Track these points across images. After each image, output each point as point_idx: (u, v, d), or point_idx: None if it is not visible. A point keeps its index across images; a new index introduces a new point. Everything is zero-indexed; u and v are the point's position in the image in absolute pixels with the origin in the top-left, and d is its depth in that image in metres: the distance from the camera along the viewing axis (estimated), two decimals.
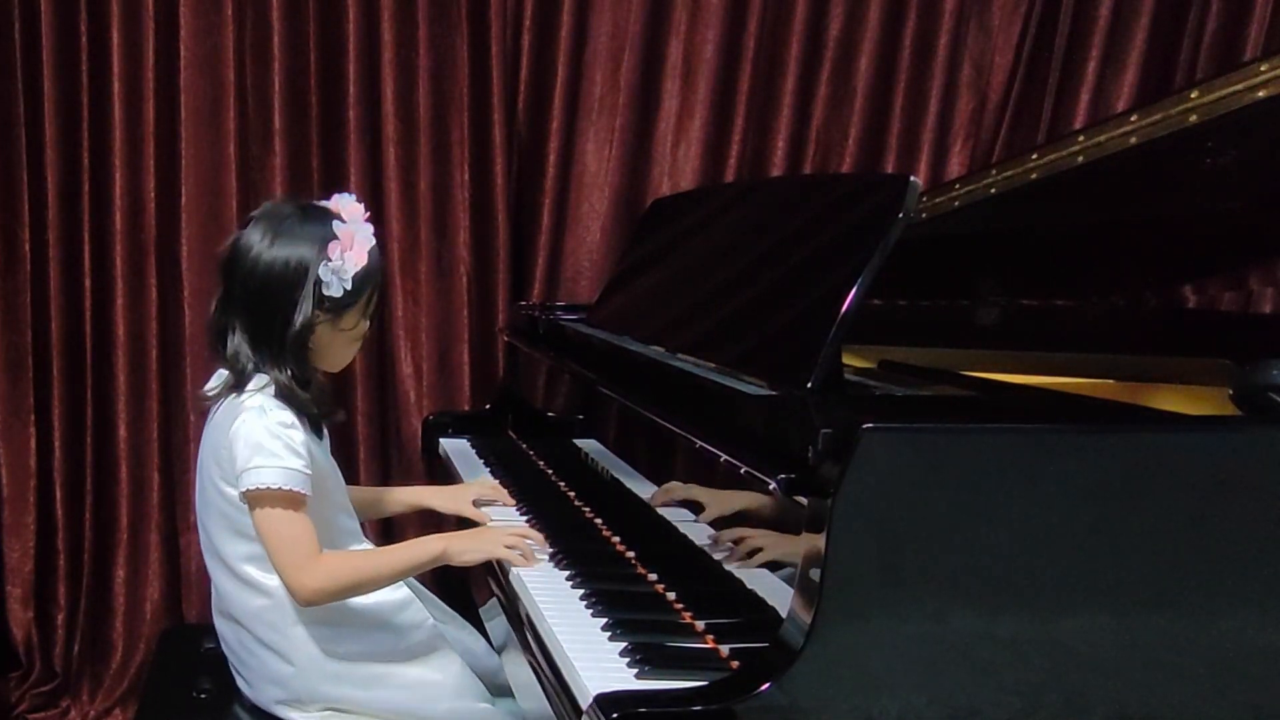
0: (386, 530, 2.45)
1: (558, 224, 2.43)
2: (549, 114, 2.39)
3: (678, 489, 1.48)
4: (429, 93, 2.32)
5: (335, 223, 1.43)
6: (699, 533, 1.39)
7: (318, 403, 1.47)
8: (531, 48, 2.38)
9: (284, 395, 1.44)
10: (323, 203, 1.49)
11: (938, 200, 1.68)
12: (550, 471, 1.95)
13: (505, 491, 1.77)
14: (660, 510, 1.50)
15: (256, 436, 1.40)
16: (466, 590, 2.21)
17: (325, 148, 2.32)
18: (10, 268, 2.29)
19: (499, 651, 1.74)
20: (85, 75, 2.24)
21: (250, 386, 1.44)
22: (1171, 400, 1.63)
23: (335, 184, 2.32)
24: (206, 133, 2.28)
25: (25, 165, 2.26)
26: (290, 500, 1.40)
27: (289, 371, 1.43)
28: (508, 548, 1.49)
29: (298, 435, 1.42)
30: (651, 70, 2.37)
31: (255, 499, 1.40)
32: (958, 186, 1.66)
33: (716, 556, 1.34)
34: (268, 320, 1.42)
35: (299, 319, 1.41)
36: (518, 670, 1.62)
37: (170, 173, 2.29)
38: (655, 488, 1.53)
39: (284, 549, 1.41)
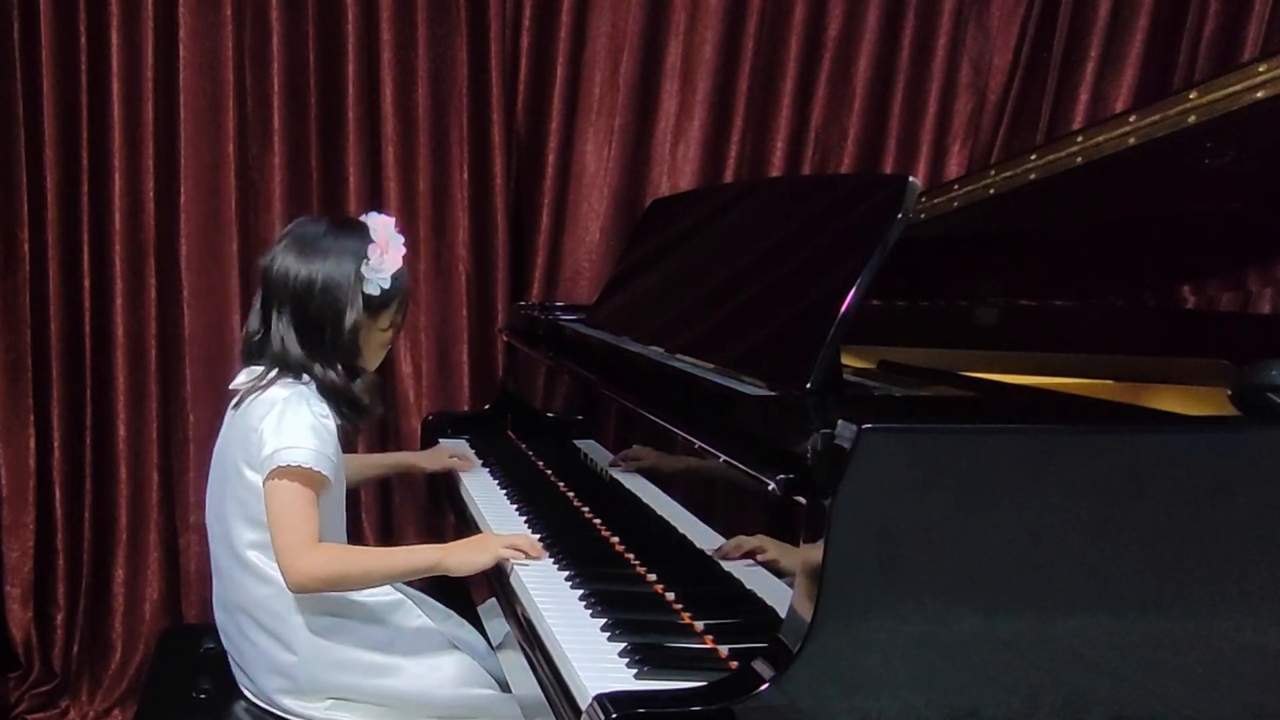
0: (386, 529, 2.45)
1: (557, 224, 2.43)
2: (548, 114, 2.39)
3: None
4: (428, 93, 2.32)
5: (369, 229, 1.52)
6: (699, 533, 1.39)
7: (369, 393, 1.54)
8: (530, 48, 2.38)
9: (328, 392, 1.51)
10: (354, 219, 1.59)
11: (937, 200, 1.68)
12: (550, 471, 1.95)
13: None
14: (660, 511, 1.50)
15: (297, 420, 1.46)
16: (465, 589, 2.21)
17: (324, 148, 2.32)
18: (9, 268, 2.29)
19: (496, 649, 1.74)
20: (84, 75, 2.24)
21: (290, 380, 1.51)
22: (1170, 400, 1.63)
23: (334, 184, 2.33)
24: (205, 133, 2.28)
25: (25, 165, 2.26)
26: (311, 481, 1.44)
27: (339, 368, 1.51)
28: (507, 551, 1.50)
29: (332, 425, 1.49)
30: (650, 70, 2.37)
31: (277, 474, 1.44)
32: (956, 187, 1.66)
33: (700, 546, 1.34)
34: (316, 324, 1.50)
35: (350, 319, 1.49)
36: (516, 669, 1.62)
37: (169, 173, 2.29)
38: (655, 488, 1.53)
39: (287, 529, 1.44)
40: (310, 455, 1.44)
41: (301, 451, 1.44)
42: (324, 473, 1.45)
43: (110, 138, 2.26)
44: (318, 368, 1.50)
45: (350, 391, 1.52)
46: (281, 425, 1.45)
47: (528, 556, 1.49)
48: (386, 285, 1.51)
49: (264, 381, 1.52)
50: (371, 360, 1.59)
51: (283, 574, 1.45)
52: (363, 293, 1.50)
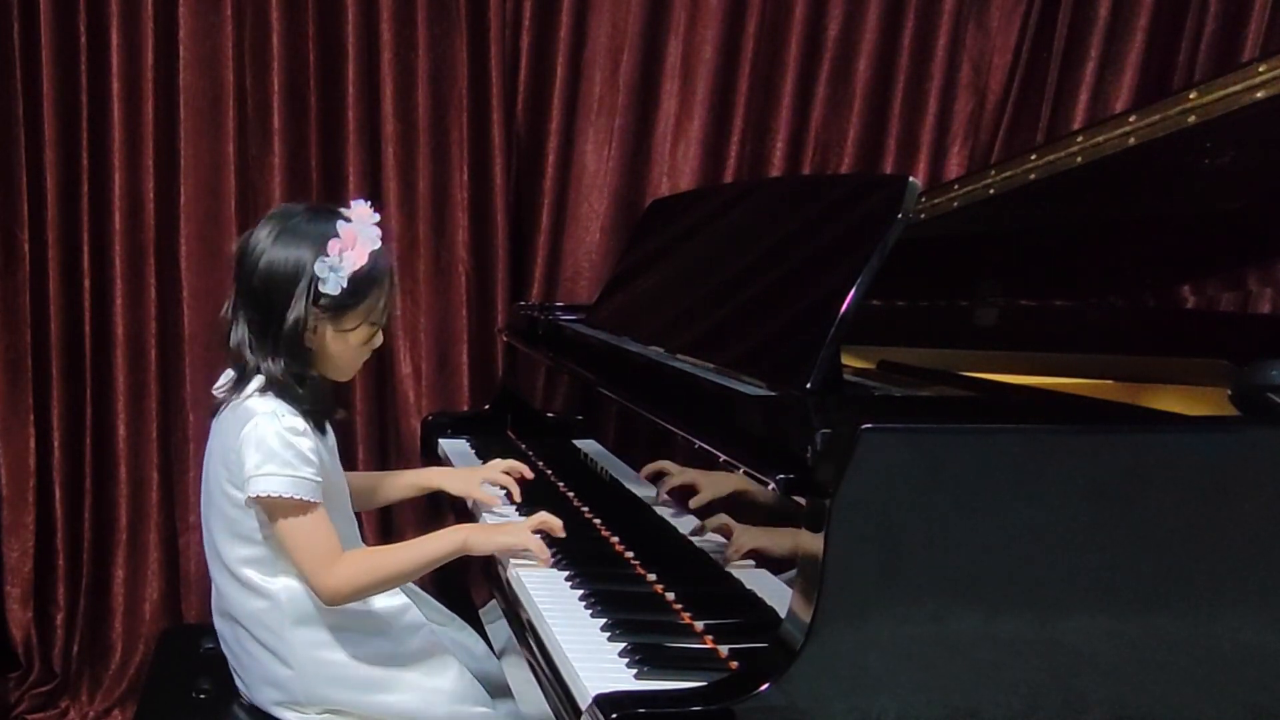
0: (386, 528, 2.45)
1: (557, 224, 2.43)
2: (548, 114, 2.39)
3: (671, 472, 1.48)
4: (428, 93, 2.32)
5: (340, 222, 1.43)
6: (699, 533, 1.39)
7: (312, 400, 1.46)
8: (530, 48, 2.38)
9: (279, 391, 1.44)
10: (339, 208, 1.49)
11: (936, 201, 1.68)
12: (550, 472, 1.95)
13: (525, 468, 1.73)
14: (660, 510, 1.50)
15: (268, 443, 1.40)
16: (466, 592, 2.22)
17: (324, 148, 2.32)
18: (9, 267, 2.29)
19: (499, 655, 1.74)
20: (84, 75, 2.24)
21: (252, 386, 1.45)
22: (1170, 400, 1.64)
23: (334, 184, 2.33)
24: (205, 133, 2.28)
25: (24, 165, 2.26)
26: (302, 507, 1.41)
27: (282, 365, 1.43)
28: (535, 522, 1.49)
29: (307, 442, 1.42)
30: (650, 71, 2.37)
31: (270, 507, 1.41)
32: (956, 187, 1.66)
33: (700, 545, 1.33)
34: (267, 314, 1.43)
35: (292, 314, 1.41)
36: (518, 673, 1.63)
37: (169, 173, 2.28)
38: (655, 488, 1.53)
39: (306, 552, 1.42)
40: (285, 483, 1.39)
41: (275, 480, 1.39)
42: (301, 497, 1.39)
43: (110, 138, 2.26)
44: (265, 360, 1.43)
45: (291, 390, 1.44)
46: (257, 445, 1.40)
47: (536, 559, 1.47)
48: (344, 285, 1.41)
49: (235, 391, 1.46)
50: (336, 366, 1.51)
51: (317, 595, 1.44)
52: (319, 290, 1.41)
